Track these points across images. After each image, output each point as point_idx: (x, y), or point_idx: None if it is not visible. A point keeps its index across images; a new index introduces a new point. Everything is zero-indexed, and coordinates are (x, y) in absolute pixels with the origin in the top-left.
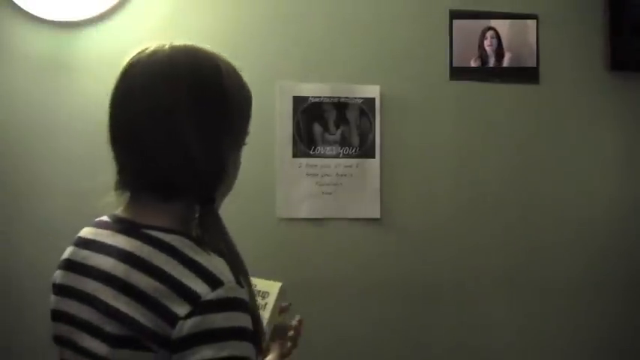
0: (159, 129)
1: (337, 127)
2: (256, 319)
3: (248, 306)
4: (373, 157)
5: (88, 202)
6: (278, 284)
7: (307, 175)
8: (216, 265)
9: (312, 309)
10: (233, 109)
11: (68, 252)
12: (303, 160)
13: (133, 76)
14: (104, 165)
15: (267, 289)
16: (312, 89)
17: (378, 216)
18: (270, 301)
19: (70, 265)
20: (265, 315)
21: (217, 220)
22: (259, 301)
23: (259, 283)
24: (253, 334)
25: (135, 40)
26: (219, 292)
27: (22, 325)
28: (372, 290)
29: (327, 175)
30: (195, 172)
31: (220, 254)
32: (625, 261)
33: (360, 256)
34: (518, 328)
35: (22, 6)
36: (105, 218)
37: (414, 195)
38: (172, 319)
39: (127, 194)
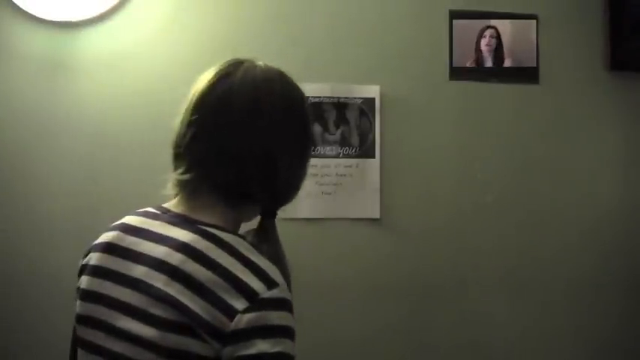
0: (256, 141)
1: (337, 127)
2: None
3: (293, 309)
4: (373, 157)
5: (86, 201)
6: None
7: (307, 175)
8: (270, 267)
9: (312, 309)
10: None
11: (110, 236)
12: None
13: (232, 84)
14: (103, 165)
15: None
16: (312, 89)
17: (378, 216)
18: None
19: (113, 249)
20: None
21: (276, 232)
22: None
23: None
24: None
25: (134, 40)
26: (275, 292)
27: (20, 325)
28: (372, 290)
29: (327, 175)
30: (275, 188)
31: (276, 263)
32: (627, 262)
33: (359, 256)
34: (520, 328)
35: (22, 6)
36: (152, 210)
37: (414, 195)
38: (231, 311)
39: (186, 191)
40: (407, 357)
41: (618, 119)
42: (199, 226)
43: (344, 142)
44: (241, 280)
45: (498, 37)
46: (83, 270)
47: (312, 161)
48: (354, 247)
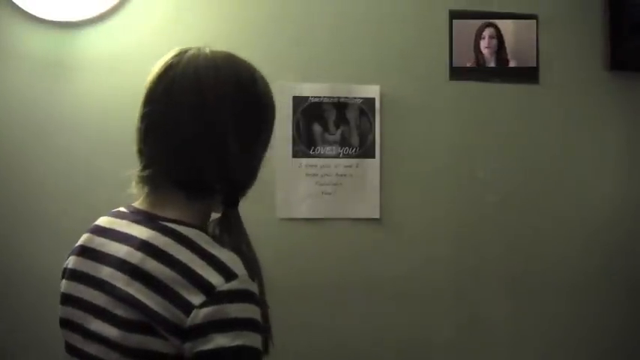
0: (202, 131)
1: (337, 127)
2: (265, 314)
3: (258, 299)
4: (373, 157)
5: (85, 202)
6: None
7: (307, 175)
8: (231, 258)
9: (311, 308)
10: (266, 118)
11: (83, 239)
12: (303, 160)
13: (175, 76)
14: (101, 165)
15: None
16: (312, 89)
17: (378, 216)
18: None
19: (84, 251)
20: None
21: (240, 221)
22: None
23: None
24: (262, 327)
25: (134, 41)
26: (234, 284)
27: (18, 324)
28: (371, 290)
29: (327, 175)
30: (230, 176)
31: (238, 253)
32: (628, 262)
33: (359, 256)
34: (520, 328)
35: (22, 6)
36: (122, 209)
37: (414, 195)
38: (187, 307)
39: (148, 187)
40: (406, 357)
41: (618, 119)
42: (160, 222)
43: (344, 142)
44: (199, 275)
45: (499, 36)
46: (64, 274)
47: (312, 161)
48: (354, 247)
